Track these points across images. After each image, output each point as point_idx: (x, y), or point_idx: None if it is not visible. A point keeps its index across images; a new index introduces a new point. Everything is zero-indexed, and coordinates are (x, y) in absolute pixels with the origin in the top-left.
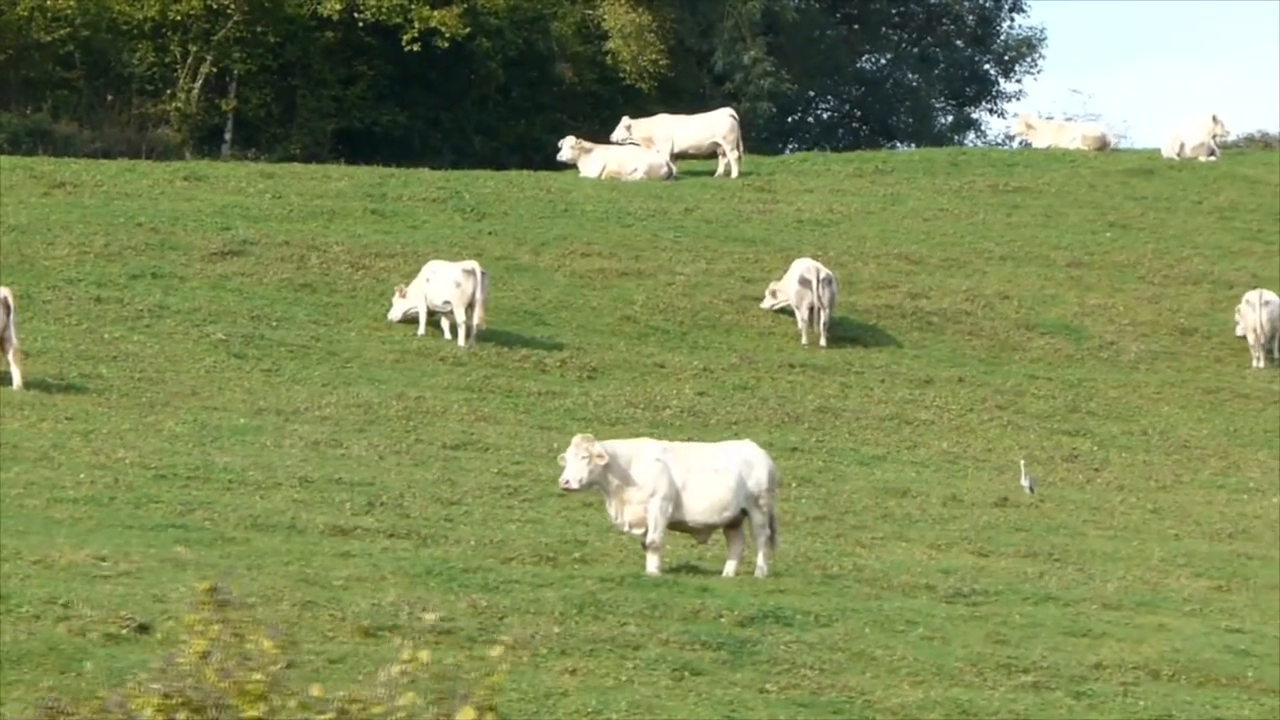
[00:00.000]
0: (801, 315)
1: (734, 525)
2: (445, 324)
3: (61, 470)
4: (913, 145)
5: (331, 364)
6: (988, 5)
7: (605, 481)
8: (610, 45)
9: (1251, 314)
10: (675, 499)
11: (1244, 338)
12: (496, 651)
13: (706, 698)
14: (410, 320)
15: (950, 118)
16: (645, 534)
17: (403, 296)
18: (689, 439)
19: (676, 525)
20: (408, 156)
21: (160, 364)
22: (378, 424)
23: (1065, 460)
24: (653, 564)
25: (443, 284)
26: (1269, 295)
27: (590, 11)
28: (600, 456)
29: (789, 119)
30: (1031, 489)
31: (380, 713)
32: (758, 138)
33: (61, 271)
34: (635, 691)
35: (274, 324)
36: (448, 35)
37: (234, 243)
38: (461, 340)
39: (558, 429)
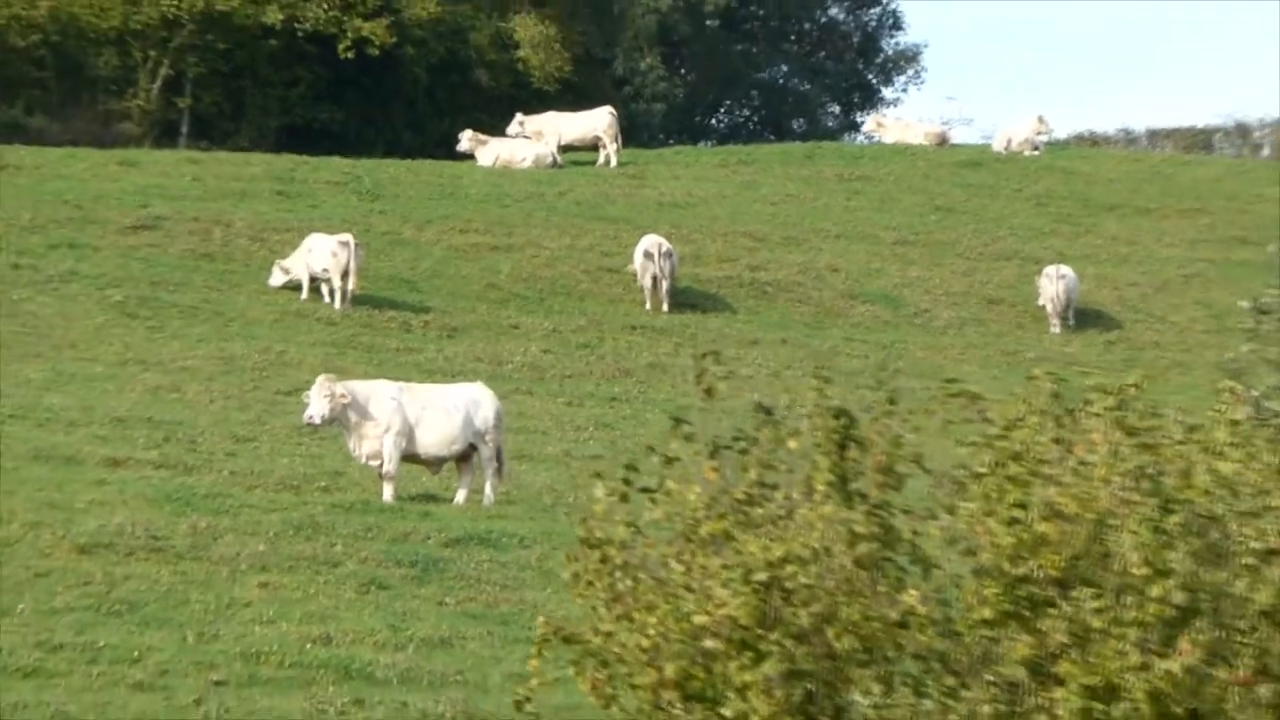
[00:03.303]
0: (645, 284)
1: (465, 458)
2: (325, 289)
3: None
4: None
5: (215, 323)
6: (871, 24)
7: (345, 418)
8: (521, 54)
9: (1049, 286)
10: (409, 434)
11: (1044, 307)
12: None
13: (383, 609)
14: (294, 287)
15: (837, 122)
16: (381, 465)
17: (284, 271)
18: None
19: (410, 458)
20: (345, 149)
21: (54, 321)
22: (230, 374)
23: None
24: (388, 492)
25: (321, 254)
26: (1065, 269)
27: (504, 24)
28: (343, 396)
29: (698, 120)
30: None
31: None
32: (656, 136)
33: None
34: (316, 603)
35: (171, 288)
36: (378, 44)
37: (148, 218)
38: (337, 303)
39: (403, 379)
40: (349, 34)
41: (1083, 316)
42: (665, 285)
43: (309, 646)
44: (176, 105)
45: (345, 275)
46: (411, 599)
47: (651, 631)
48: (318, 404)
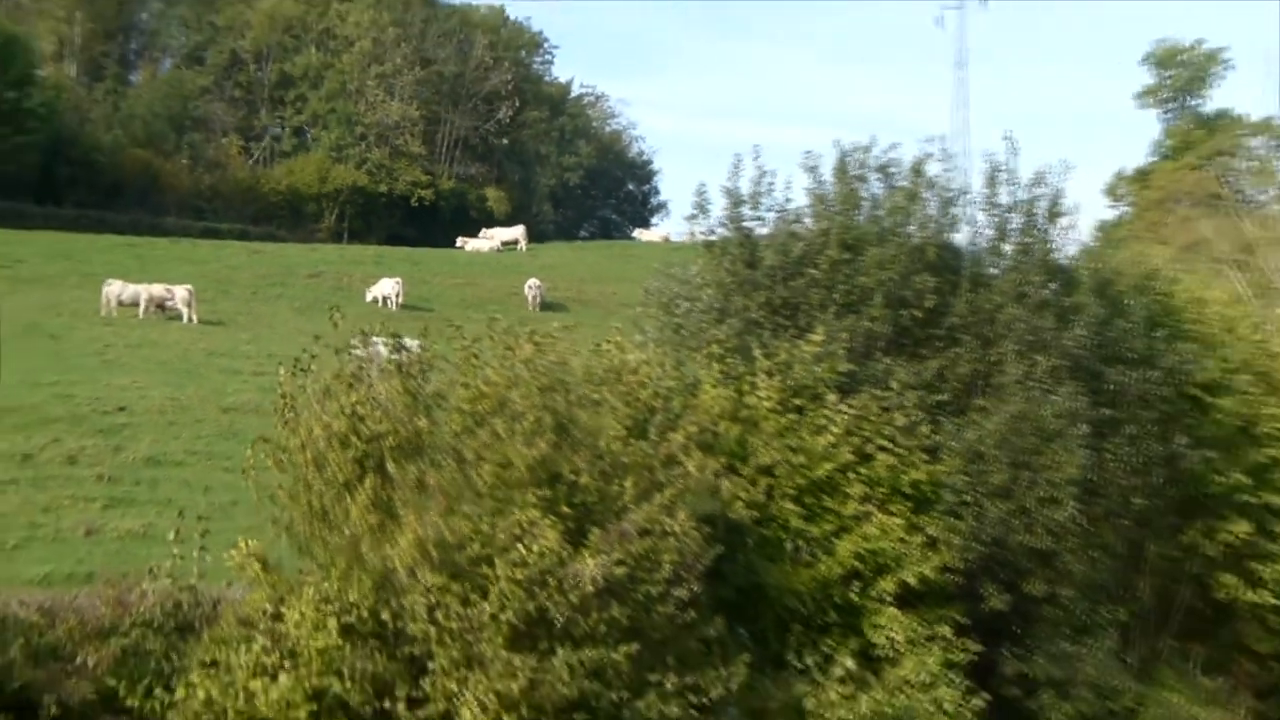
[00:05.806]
0: (530, 299)
1: None
2: (387, 302)
3: (160, 346)
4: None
5: (348, 320)
6: (646, 191)
7: (373, 355)
8: (489, 204)
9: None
10: None
11: None
12: None
13: None
14: (374, 301)
15: (633, 232)
16: None
17: (370, 292)
18: None
19: None
20: (414, 245)
21: (266, 317)
22: (338, 336)
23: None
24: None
25: (386, 286)
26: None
27: (481, 192)
28: (372, 345)
29: (572, 232)
30: None
31: None
32: (549, 239)
33: (252, 286)
34: None
35: (324, 303)
36: (429, 201)
37: (317, 272)
38: (393, 308)
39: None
40: (416, 195)
41: None
42: (539, 300)
43: None
44: (342, 226)
45: (397, 296)
46: None
47: (302, 436)
48: (364, 348)
